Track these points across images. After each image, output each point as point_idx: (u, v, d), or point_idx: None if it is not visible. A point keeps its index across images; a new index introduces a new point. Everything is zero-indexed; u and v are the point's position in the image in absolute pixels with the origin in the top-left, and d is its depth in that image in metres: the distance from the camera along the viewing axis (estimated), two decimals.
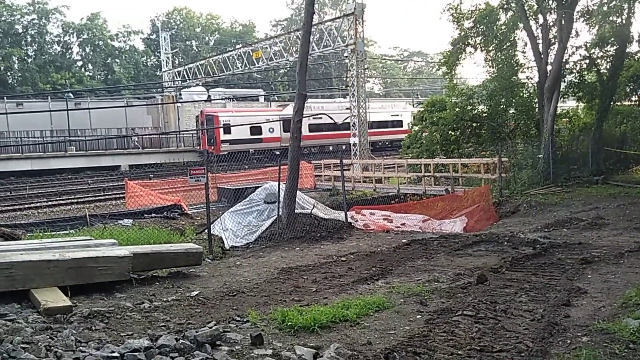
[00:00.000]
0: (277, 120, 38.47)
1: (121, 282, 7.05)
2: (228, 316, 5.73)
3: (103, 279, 6.83)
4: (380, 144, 45.66)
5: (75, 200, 22.51)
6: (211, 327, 5.06)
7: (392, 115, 47.54)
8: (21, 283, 6.20)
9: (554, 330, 5.06)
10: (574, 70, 20.86)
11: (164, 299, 6.49)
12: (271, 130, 38.75)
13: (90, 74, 69.87)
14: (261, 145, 38.81)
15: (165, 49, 48.10)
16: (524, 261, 8.12)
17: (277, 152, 36.26)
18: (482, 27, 21.44)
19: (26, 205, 20.94)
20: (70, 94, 43.61)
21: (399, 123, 46.32)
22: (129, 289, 6.97)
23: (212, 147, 36.55)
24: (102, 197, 23.51)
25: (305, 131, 36.14)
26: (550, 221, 12.35)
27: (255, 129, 38.28)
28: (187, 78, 42.89)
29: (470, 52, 22.47)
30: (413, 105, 51.13)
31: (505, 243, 9.71)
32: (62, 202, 22.36)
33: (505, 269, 7.62)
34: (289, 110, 37.41)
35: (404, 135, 30.51)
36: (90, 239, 8.72)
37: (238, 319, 5.61)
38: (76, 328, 5.14)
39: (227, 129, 36.69)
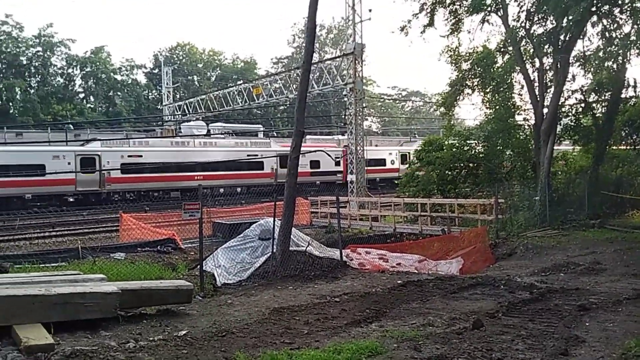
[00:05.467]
0: None
1: (108, 319, 6.86)
2: (215, 359, 5.55)
3: (89, 316, 6.66)
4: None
5: (69, 232, 22.29)
6: None
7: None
8: (4, 319, 6.04)
9: None
10: (570, 114, 21.05)
11: (150, 339, 6.30)
12: None
13: (92, 106, 70.40)
14: None
15: (167, 83, 48.68)
16: (521, 306, 7.95)
17: None
18: (479, 69, 21.81)
19: (18, 236, 20.69)
20: (70, 126, 43.75)
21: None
22: (115, 327, 6.79)
23: None
24: (96, 229, 23.29)
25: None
26: (547, 265, 12.19)
27: None
28: (187, 112, 43.20)
29: (467, 93, 22.85)
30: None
31: (502, 287, 9.55)
32: (55, 233, 22.12)
33: (501, 314, 7.45)
34: None
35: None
36: (79, 274, 8.55)
37: None
38: None
39: None
